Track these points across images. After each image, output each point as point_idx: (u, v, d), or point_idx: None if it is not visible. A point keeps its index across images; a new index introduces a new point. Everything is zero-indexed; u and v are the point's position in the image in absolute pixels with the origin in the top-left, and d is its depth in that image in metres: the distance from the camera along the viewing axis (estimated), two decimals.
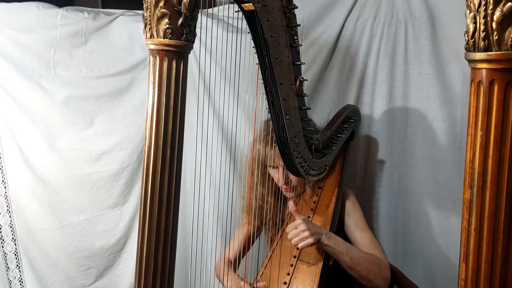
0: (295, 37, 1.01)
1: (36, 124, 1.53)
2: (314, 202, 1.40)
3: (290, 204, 1.25)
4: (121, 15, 1.58)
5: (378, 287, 1.29)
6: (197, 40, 1.57)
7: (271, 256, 1.35)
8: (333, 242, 1.23)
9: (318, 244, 1.22)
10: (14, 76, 1.50)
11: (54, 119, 1.54)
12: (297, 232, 1.21)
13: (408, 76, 1.56)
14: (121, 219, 1.65)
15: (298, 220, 1.23)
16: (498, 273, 0.66)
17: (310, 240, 1.20)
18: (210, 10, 1.59)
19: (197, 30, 1.57)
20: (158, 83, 0.79)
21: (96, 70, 1.55)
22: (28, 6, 1.50)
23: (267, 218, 1.43)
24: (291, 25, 0.98)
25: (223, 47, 1.16)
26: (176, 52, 0.79)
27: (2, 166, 1.55)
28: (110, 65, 1.56)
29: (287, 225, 1.42)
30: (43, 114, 1.54)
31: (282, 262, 1.32)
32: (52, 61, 1.52)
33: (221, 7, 1.60)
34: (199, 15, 0.82)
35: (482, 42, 0.62)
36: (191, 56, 1.52)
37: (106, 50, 1.56)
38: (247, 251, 1.44)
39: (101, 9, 1.65)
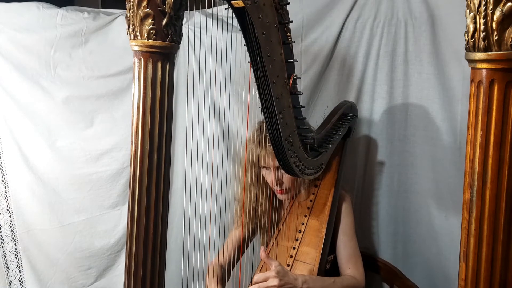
0: (288, 34, 0.98)
1: (36, 124, 1.53)
2: (311, 201, 1.40)
3: (261, 252, 1.16)
4: (121, 15, 1.58)
5: None
6: (197, 40, 1.58)
7: None
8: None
9: None
10: (14, 76, 1.50)
11: (54, 119, 1.54)
12: (265, 286, 1.11)
13: (408, 76, 1.55)
14: (121, 219, 1.65)
15: (271, 272, 1.12)
16: (498, 273, 0.66)
17: None
18: (209, 10, 1.59)
19: (197, 30, 1.58)
20: (143, 85, 0.77)
21: (96, 70, 1.55)
22: (28, 6, 1.50)
23: (262, 221, 1.41)
24: (283, 22, 0.95)
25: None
26: (161, 54, 0.76)
27: (2, 166, 1.55)
28: (110, 65, 1.56)
29: (282, 225, 1.40)
30: (43, 114, 1.53)
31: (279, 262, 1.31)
32: (52, 61, 1.52)
33: (220, 7, 1.60)
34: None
35: (482, 42, 0.62)
36: (191, 55, 1.53)
37: (106, 50, 1.56)
38: (241, 255, 1.42)
39: (101, 9, 1.65)
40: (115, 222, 1.65)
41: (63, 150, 1.56)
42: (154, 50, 0.76)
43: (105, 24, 1.56)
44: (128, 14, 0.76)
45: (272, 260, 1.15)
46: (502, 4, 0.60)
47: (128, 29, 0.77)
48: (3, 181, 1.56)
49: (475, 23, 0.63)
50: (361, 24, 1.57)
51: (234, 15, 0.94)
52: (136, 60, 0.77)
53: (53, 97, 1.53)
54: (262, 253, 1.16)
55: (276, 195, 1.40)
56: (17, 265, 1.60)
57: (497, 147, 0.64)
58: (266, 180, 1.38)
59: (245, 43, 0.96)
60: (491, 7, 0.61)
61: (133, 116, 0.78)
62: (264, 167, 1.36)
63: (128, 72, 1.58)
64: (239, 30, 0.94)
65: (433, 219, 1.57)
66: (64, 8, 1.54)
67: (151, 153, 0.78)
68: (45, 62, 1.51)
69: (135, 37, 0.76)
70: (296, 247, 1.32)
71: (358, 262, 1.34)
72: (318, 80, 1.64)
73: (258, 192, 1.39)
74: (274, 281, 1.10)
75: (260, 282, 1.12)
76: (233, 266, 1.43)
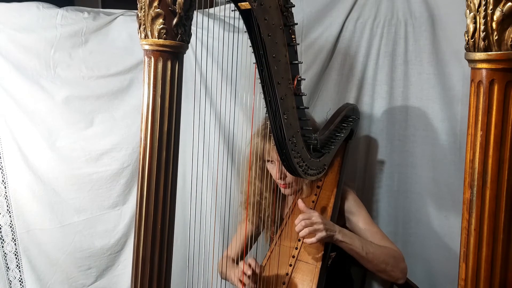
0: (293, 36, 1.00)
1: (36, 124, 1.53)
2: (313, 201, 1.40)
3: (300, 202, 1.24)
4: (121, 15, 1.58)
5: (396, 279, 1.29)
6: (197, 40, 1.58)
7: (269, 256, 1.35)
8: (348, 238, 1.23)
9: (331, 240, 1.22)
10: (14, 76, 1.50)
11: (54, 119, 1.54)
12: (310, 222, 1.19)
13: (408, 76, 1.56)
14: (121, 219, 1.65)
15: (314, 212, 1.22)
16: (498, 273, 0.66)
17: (323, 233, 1.18)
18: (210, 10, 1.59)
19: (198, 30, 1.58)
20: (153, 84, 0.78)
21: (96, 70, 1.55)
22: (28, 6, 1.50)
23: (266, 215, 1.42)
24: (288, 24, 0.97)
25: (220, 47, 1.16)
26: (171, 53, 0.78)
27: (2, 166, 1.55)
28: (110, 65, 1.56)
29: (285, 225, 1.41)
30: (43, 114, 1.54)
31: (281, 262, 1.31)
32: (52, 61, 1.52)
33: (221, 7, 1.60)
34: (199, 15, 0.81)
35: (482, 42, 0.62)
36: (191, 56, 1.53)
37: (106, 50, 1.56)
38: (249, 250, 1.43)
39: (101, 9, 1.65)
40: (115, 222, 1.65)
41: (63, 150, 1.56)
42: (164, 49, 0.77)
43: (105, 24, 1.56)
44: (139, 14, 0.77)
45: (309, 210, 1.24)
46: (502, 4, 0.60)
47: (139, 28, 0.79)
48: (3, 181, 1.56)
49: (475, 23, 0.63)
50: (361, 24, 1.57)
51: (236, 16, 0.95)
52: (146, 59, 0.78)
53: (53, 97, 1.53)
54: (301, 204, 1.24)
55: (280, 189, 1.40)
56: (17, 265, 1.60)
57: (497, 147, 0.64)
58: (270, 174, 1.39)
59: (250, 45, 0.98)
60: (491, 7, 0.60)
61: (142, 114, 0.80)
62: (268, 160, 1.36)
63: (128, 72, 1.58)
64: (245, 31, 0.96)
65: (433, 219, 1.57)
66: (64, 8, 1.54)
67: (160, 150, 0.79)
68: (45, 62, 1.51)
69: (146, 36, 0.77)
70: (299, 247, 1.32)
71: (389, 240, 1.34)
72: (318, 80, 1.64)
73: (262, 185, 1.40)
74: (318, 219, 1.19)
75: (304, 219, 1.20)
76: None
